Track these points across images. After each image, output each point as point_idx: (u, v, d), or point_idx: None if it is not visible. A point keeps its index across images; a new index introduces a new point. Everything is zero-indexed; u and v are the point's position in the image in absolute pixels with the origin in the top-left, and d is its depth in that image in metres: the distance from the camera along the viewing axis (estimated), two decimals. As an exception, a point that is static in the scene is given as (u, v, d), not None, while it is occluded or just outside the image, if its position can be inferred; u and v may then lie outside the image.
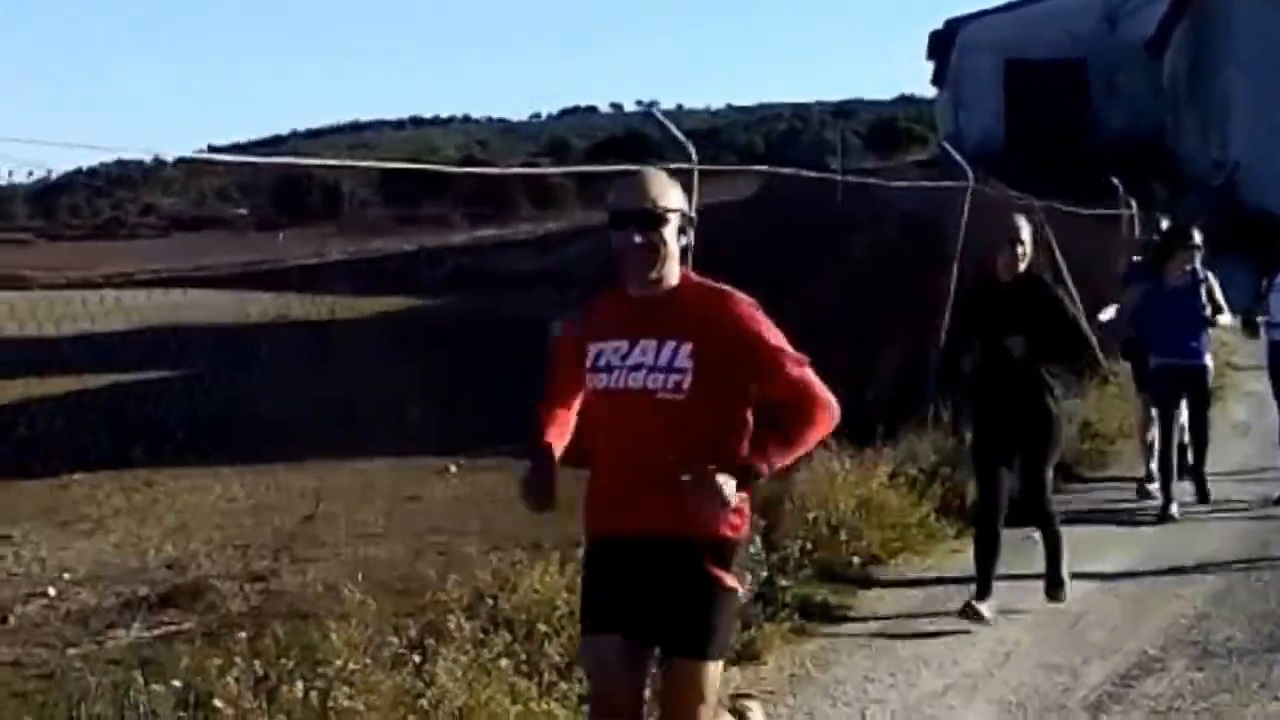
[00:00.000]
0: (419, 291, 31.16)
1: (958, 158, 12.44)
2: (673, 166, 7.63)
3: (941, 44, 52.18)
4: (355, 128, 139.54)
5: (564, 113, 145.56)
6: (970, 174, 12.10)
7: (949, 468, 10.22)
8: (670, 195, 4.37)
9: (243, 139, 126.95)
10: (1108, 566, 8.92)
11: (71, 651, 7.40)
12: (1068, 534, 8.13)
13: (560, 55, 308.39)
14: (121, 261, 45.86)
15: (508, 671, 5.92)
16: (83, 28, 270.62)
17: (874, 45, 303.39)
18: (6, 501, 12.55)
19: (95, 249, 57.50)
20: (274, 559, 8.94)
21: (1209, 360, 10.86)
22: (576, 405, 4.61)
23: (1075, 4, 45.36)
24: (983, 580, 7.70)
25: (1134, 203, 19.61)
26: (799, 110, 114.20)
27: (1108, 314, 12.39)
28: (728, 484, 4.14)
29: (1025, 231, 7.77)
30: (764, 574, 7.63)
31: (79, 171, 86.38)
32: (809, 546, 8.35)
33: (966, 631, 7.46)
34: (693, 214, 4.49)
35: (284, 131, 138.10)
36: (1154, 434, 11.08)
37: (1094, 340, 13.51)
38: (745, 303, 4.36)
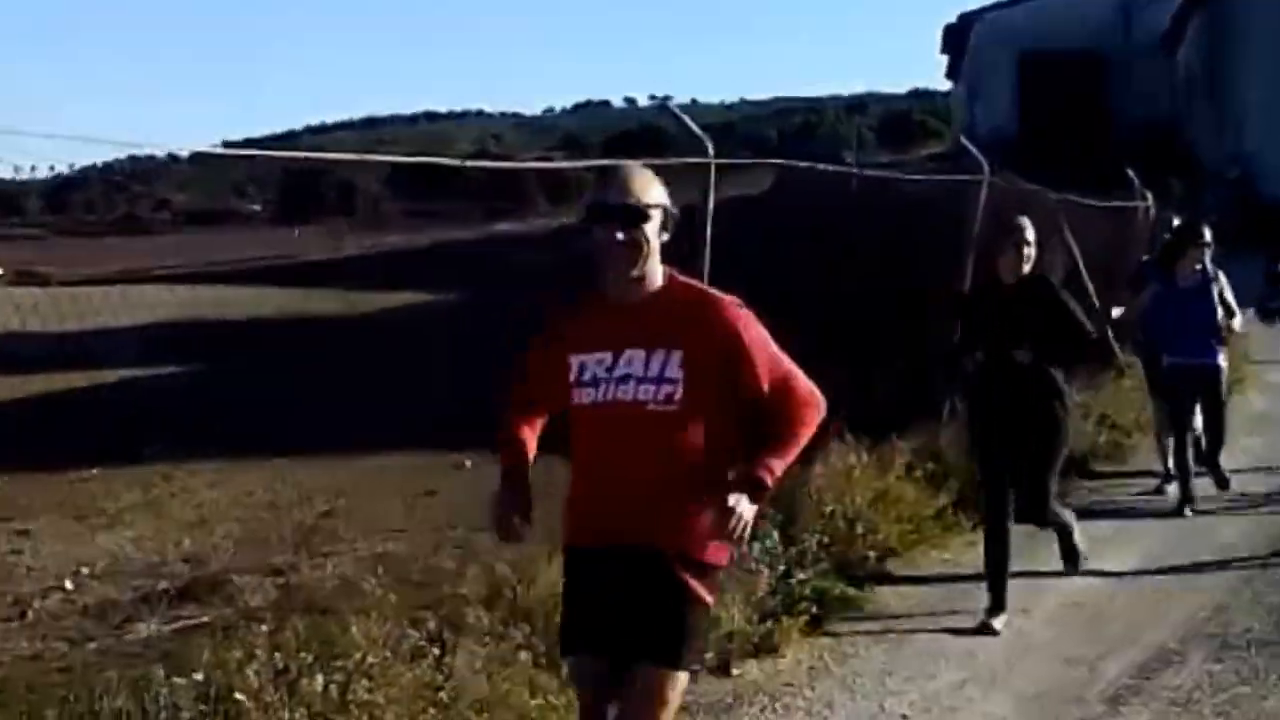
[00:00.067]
0: (433, 286, 31.14)
1: (974, 151, 12.39)
2: (690, 161, 7.64)
3: (956, 37, 52.22)
4: (369, 122, 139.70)
5: (577, 107, 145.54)
6: (986, 166, 12.05)
7: (966, 459, 10.19)
8: (653, 190, 4.23)
9: (256, 134, 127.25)
10: (1125, 560, 8.89)
11: (90, 645, 7.43)
12: (1085, 528, 8.12)
13: (573, 49, 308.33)
14: (137, 257, 45.92)
15: (527, 664, 5.93)
16: (93, 24, 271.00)
17: (887, 39, 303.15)
18: (24, 496, 12.59)
19: (110, 245, 57.62)
20: (295, 553, 8.94)
21: (1222, 360, 10.76)
22: (542, 421, 4.51)
23: (1090, -3, 45.33)
24: (995, 593, 7.58)
25: (1150, 195, 19.55)
26: (813, 105, 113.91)
27: (1117, 313, 12.35)
28: (746, 506, 4.09)
29: (1030, 232, 7.56)
30: (781, 568, 7.64)
31: (93, 167, 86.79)
32: (826, 540, 8.32)
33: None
34: (675, 210, 4.31)
35: (298, 126, 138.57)
36: (1169, 434, 11.01)
37: (1108, 334, 13.53)
38: (732, 305, 4.26)
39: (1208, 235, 10.63)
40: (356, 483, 12.00)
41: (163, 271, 41.29)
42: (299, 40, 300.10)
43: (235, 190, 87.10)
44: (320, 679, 5.36)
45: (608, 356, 4.23)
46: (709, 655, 6.57)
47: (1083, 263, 15.49)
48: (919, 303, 11.56)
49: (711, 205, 7.65)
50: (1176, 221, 12.34)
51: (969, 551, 8.94)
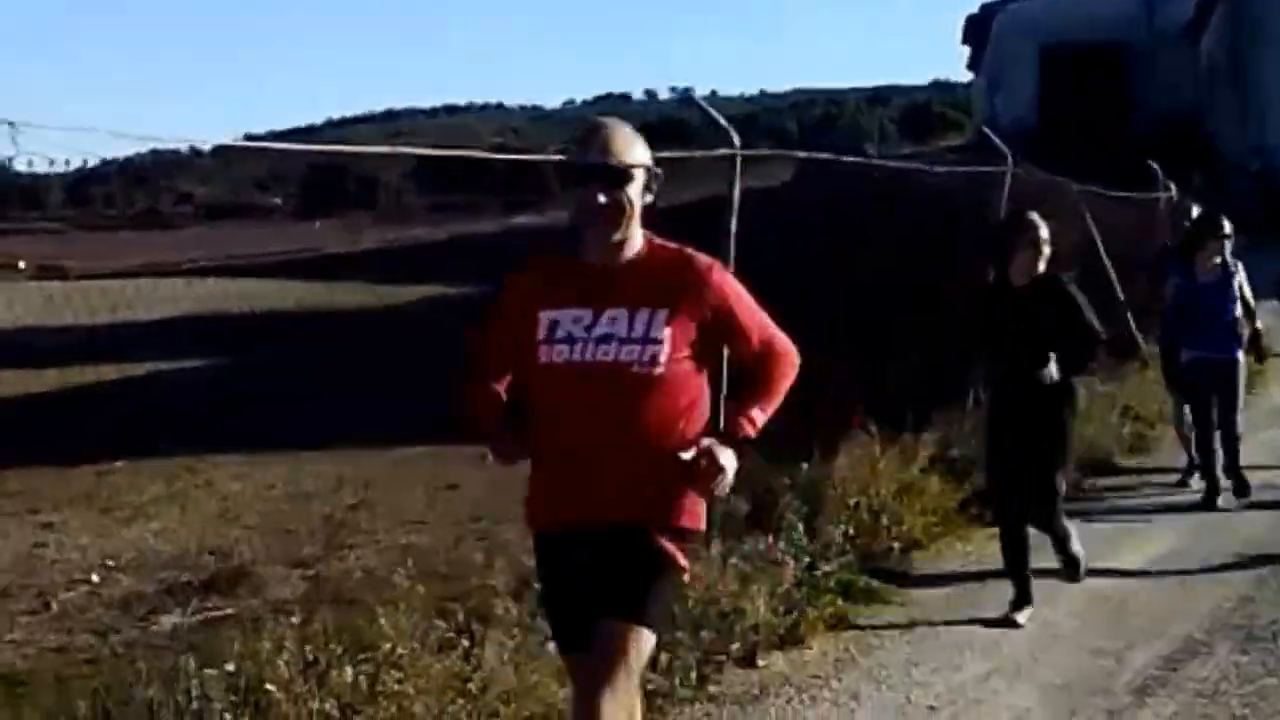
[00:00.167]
0: (454, 279, 31.17)
1: (997, 141, 12.35)
2: (715, 153, 7.65)
3: (977, 29, 52.08)
4: (389, 115, 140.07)
5: (597, 99, 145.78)
6: (1010, 156, 12.03)
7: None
8: (635, 149, 4.07)
9: (278, 127, 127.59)
10: (1149, 553, 8.88)
11: (116, 637, 7.47)
12: (1110, 522, 8.08)
13: (594, 42, 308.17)
14: (158, 251, 46.07)
15: (555, 656, 5.94)
16: (114, 19, 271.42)
17: (908, 30, 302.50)
18: (49, 489, 12.67)
19: (131, 239, 57.82)
20: (324, 547, 8.95)
21: (1241, 354, 10.69)
22: (505, 385, 4.28)
23: (1112, -12, 45.12)
24: (1019, 587, 7.54)
25: (1173, 186, 19.48)
26: (833, 96, 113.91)
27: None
28: (729, 456, 4.03)
29: (1044, 230, 7.41)
30: (806, 560, 7.65)
31: (113, 161, 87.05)
32: (851, 532, 8.32)
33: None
34: (658, 170, 4.15)
35: (318, 121, 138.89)
36: (1190, 428, 10.95)
37: (1130, 325, 13.49)
38: (714, 266, 4.17)
39: (1227, 227, 10.55)
40: (379, 476, 12.02)
41: (186, 265, 41.37)
42: (318, 38, 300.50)
43: (256, 185, 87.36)
44: (349, 670, 5.38)
45: (586, 314, 4.05)
46: (735, 646, 6.60)
47: (1105, 254, 15.45)
48: (936, 295, 11.53)
49: (737, 196, 7.65)
50: (1196, 211, 12.22)
51: (993, 544, 8.89)
